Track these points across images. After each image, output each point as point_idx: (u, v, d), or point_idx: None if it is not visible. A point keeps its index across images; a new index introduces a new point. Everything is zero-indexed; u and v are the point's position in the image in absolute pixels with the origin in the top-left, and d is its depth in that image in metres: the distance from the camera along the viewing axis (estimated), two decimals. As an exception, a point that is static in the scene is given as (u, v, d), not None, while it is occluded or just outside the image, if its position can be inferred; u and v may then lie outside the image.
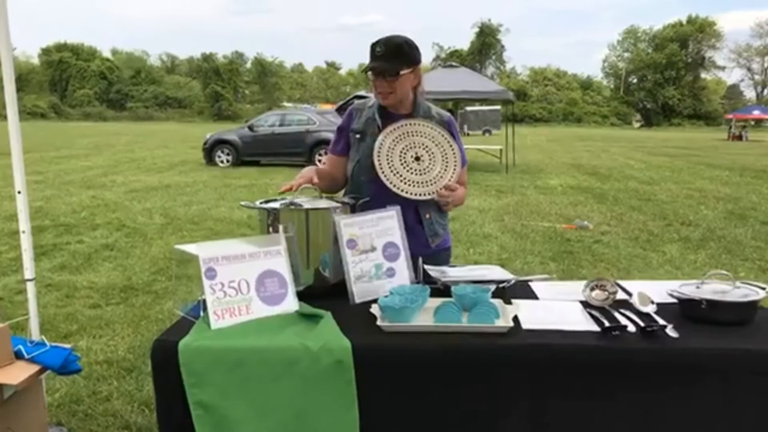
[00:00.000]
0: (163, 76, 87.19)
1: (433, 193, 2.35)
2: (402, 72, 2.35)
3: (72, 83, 76.08)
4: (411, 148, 2.37)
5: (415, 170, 2.35)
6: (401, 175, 2.33)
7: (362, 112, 2.54)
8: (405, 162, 2.35)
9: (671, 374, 1.69)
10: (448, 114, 2.58)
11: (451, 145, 2.42)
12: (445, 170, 2.37)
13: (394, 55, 2.34)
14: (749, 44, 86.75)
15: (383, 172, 2.32)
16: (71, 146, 24.48)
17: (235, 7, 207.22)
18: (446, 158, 2.39)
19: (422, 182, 2.35)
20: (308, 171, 2.34)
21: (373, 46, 2.35)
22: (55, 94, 74.76)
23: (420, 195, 2.34)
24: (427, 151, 2.39)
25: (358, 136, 2.50)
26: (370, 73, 2.38)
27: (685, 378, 1.69)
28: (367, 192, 2.38)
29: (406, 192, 2.32)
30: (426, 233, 2.48)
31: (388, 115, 2.49)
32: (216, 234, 7.92)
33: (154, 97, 78.01)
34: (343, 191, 2.60)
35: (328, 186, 2.52)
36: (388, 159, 2.34)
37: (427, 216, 2.48)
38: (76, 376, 3.32)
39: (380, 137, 2.36)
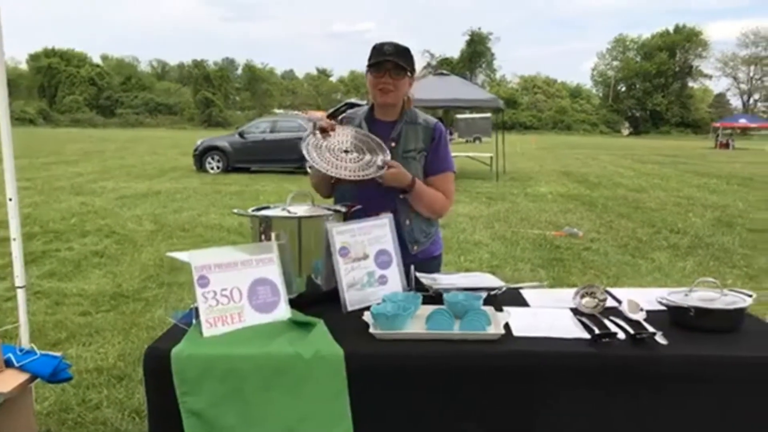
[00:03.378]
0: (153, 83, 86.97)
1: (374, 173, 2.32)
2: (407, 73, 2.43)
3: (61, 89, 75.63)
4: (335, 145, 2.39)
5: (349, 160, 2.35)
6: (340, 165, 2.33)
7: (352, 121, 2.56)
8: (336, 156, 2.36)
9: (661, 381, 1.71)
10: (435, 120, 2.58)
11: (370, 137, 2.43)
12: (376, 156, 2.37)
13: (402, 56, 2.40)
14: (735, 53, 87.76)
15: (320, 166, 2.30)
16: (60, 152, 24.34)
17: (227, 14, 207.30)
18: (371, 147, 2.40)
19: (358, 168, 2.33)
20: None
21: (379, 45, 2.41)
22: (44, 99, 74.30)
23: (363, 176, 2.31)
24: (352, 145, 2.40)
25: None
26: (372, 70, 2.41)
27: (674, 384, 1.71)
28: (354, 197, 2.40)
29: (350, 176, 2.30)
30: (406, 239, 2.46)
31: (375, 122, 2.52)
32: (206, 241, 7.90)
33: (144, 104, 77.69)
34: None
35: (324, 187, 2.58)
36: (319, 155, 2.33)
37: (407, 222, 2.48)
38: (66, 384, 3.31)
39: (304, 143, 2.38)
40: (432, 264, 2.58)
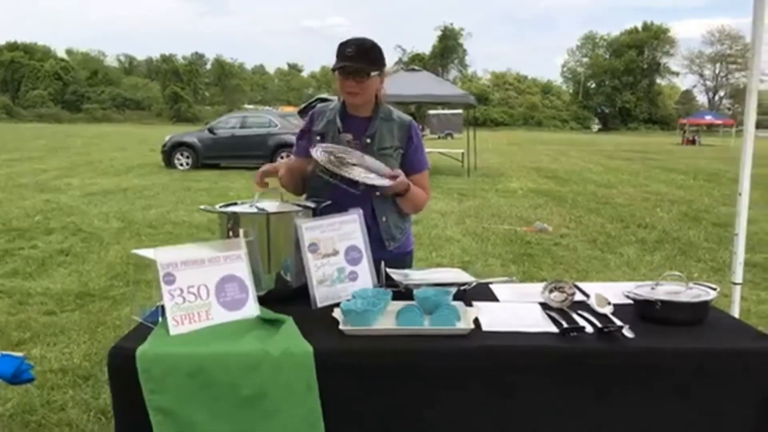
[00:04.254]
0: (120, 77, 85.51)
1: (384, 184, 2.30)
2: (372, 74, 2.39)
3: (25, 83, 73.88)
4: (343, 160, 2.34)
5: (361, 171, 2.31)
6: (364, 176, 2.29)
7: (324, 115, 2.54)
8: (351, 168, 2.31)
9: (628, 373, 1.73)
10: (409, 117, 2.58)
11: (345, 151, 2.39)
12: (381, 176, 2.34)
13: (364, 57, 2.37)
14: (701, 51, 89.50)
15: (340, 173, 2.26)
16: (24, 148, 23.79)
17: (197, 8, 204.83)
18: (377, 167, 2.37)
19: (375, 178, 2.30)
20: (278, 163, 2.36)
21: (343, 46, 2.37)
22: (7, 94, 72.47)
23: (384, 185, 2.29)
24: (358, 162, 2.36)
25: (318, 138, 2.49)
26: (338, 72, 2.39)
27: (641, 377, 1.73)
28: (326, 194, 2.37)
29: (381, 183, 2.28)
30: (383, 236, 2.48)
31: (349, 118, 2.50)
32: (175, 238, 7.79)
33: (111, 99, 76.29)
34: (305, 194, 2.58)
35: (294, 186, 2.55)
36: (340, 168, 2.29)
37: (384, 219, 2.48)
38: (29, 385, 3.23)
39: (316, 152, 2.30)
40: (406, 259, 2.60)
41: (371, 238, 2.24)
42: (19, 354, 2.43)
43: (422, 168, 2.57)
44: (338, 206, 2.25)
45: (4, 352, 2.39)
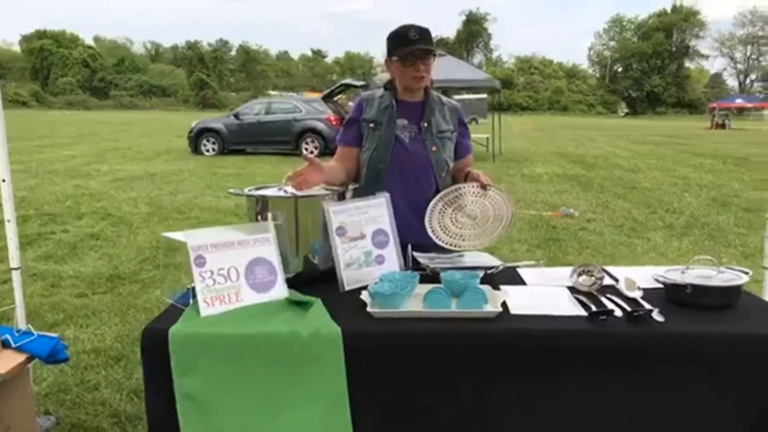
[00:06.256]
0: (147, 65, 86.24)
1: (484, 244, 2.32)
2: (435, 55, 2.43)
3: (54, 71, 74.90)
4: (461, 208, 2.34)
5: (467, 225, 2.33)
6: (451, 231, 2.32)
7: (372, 102, 2.54)
8: (455, 220, 2.33)
9: (657, 358, 1.72)
10: (455, 102, 2.63)
11: (504, 200, 2.36)
12: (500, 222, 2.34)
13: (428, 38, 2.38)
14: (732, 33, 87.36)
15: (434, 232, 2.30)
16: (54, 135, 24.18)
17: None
18: (499, 210, 2.35)
19: (473, 235, 2.32)
20: (314, 176, 2.20)
21: (403, 31, 2.37)
22: (37, 82, 73.56)
23: (472, 247, 2.33)
24: (479, 207, 2.34)
25: (371, 125, 2.50)
26: (401, 59, 2.38)
27: (671, 361, 1.72)
28: (385, 178, 2.42)
29: (457, 246, 2.31)
30: None
31: (401, 104, 2.51)
32: (203, 223, 7.88)
33: (138, 86, 77.01)
34: (359, 180, 2.55)
35: (348, 175, 2.52)
36: (439, 220, 2.32)
37: None
38: (64, 365, 3.31)
39: (433, 201, 2.33)
40: None
41: None
42: (54, 335, 2.50)
43: (470, 152, 2.65)
44: (397, 188, 2.33)
45: (40, 333, 2.46)
